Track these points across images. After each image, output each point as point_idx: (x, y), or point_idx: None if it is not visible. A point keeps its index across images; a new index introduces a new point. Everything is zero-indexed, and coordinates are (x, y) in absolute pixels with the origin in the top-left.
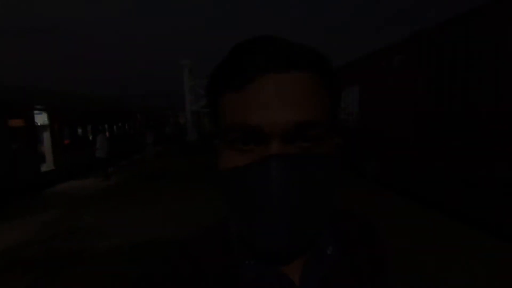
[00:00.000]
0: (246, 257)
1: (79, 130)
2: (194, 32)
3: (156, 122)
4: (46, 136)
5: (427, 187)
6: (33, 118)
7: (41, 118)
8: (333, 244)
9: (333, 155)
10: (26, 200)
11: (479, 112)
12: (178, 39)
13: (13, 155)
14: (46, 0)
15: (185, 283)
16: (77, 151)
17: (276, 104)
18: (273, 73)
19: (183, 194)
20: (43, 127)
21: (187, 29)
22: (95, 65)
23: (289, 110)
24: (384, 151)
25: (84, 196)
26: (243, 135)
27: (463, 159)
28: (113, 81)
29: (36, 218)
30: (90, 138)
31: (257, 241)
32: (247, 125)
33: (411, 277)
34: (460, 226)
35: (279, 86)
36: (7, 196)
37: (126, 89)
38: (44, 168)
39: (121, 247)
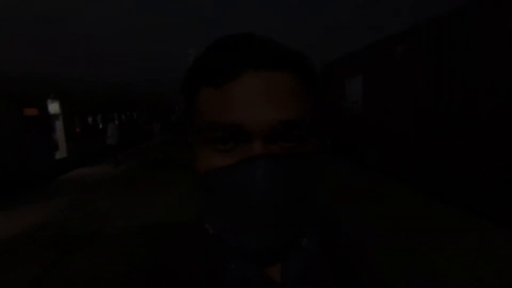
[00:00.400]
0: (226, 260)
1: (90, 119)
2: (194, 31)
3: (162, 110)
4: (59, 124)
5: (426, 176)
6: (46, 107)
7: (53, 107)
8: (308, 237)
9: (314, 156)
10: (42, 185)
11: (480, 103)
12: (178, 37)
13: (29, 143)
14: None
15: None
16: (88, 139)
17: (259, 102)
18: (256, 70)
19: (190, 180)
20: (55, 116)
21: (187, 28)
22: (95, 58)
23: (273, 109)
24: (386, 140)
25: (96, 182)
26: (223, 133)
27: (462, 150)
28: (115, 75)
29: (52, 202)
30: (100, 126)
31: (243, 241)
32: (229, 123)
33: (412, 274)
34: (468, 220)
35: (262, 85)
36: (25, 182)
37: (129, 77)
38: (57, 155)
39: (133, 228)
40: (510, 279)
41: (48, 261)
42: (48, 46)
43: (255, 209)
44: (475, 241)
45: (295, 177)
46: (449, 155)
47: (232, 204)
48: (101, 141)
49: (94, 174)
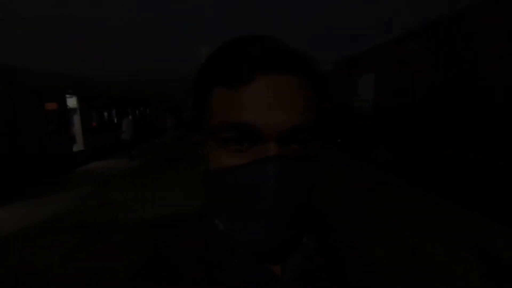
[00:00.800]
0: (229, 255)
1: (105, 114)
2: (193, 32)
3: (175, 106)
4: (76, 118)
5: (436, 176)
6: (65, 102)
7: (71, 102)
8: (307, 235)
9: (319, 157)
10: (61, 177)
11: (492, 104)
12: (180, 37)
13: (49, 136)
14: None
15: None
16: (104, 133)
17: (273, 106)
18: (272, 73)
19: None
20: (73, 110)
21: (186, 32)
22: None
23: (286, 112)
24: (396, 139)
25: (112, 174)
26: (238, 134)
27: (472, 149)
28: (129, 73)
29: (70, 193)
30: (115, 121)
31: (253, 240)
32: (244, 124)
33: (414, 273)
34: (473, 218)
35: (276, 88)
36: (45, 173)
37: (143, 75)
38: (75, 148)
39: (147, 219)
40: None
41: (67, 248)
42: (66, 43)
43: (269, 209)
44: (481, 240)
45: (304, 179)
46: (459, 155)
47: (245, 203)
48: (116, 136)
49: (109, 167)
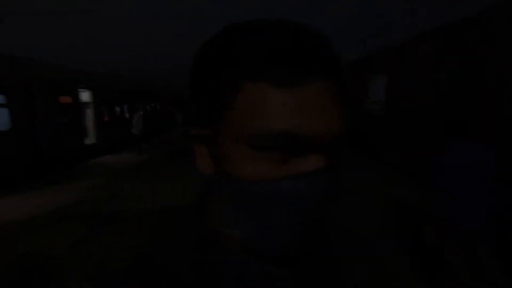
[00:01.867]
0: (229, 253)
1: (117, 109)
2: (194, 33)
3: (184, 102)
4: (89, 112)
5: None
6: (78, 96)
7: (84, 96)
8: None
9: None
10: (72, 168)
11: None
12: (184, 36)
13: (62, 128)
14: None
15: None
16: (115, 127)
17: (319, 113)
18: (321, 77)
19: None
20: (86, 104)
21: (187, 32)
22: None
23: (331, 121)
24: (407, 140)
25: (122, 167)
26: (278, 143)
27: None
28: (141, 69)
29: (82, 183)
30: (127, 116)
31: (268, 249)
32: (287, 133)
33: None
34: None
35: (323, 93)
36: (58, 164)
37: (144, 71)
38: (87, 141)
39: (155, 210)
40: None
41: (78, 237)
42: (81, 39)
43: (299, 221)
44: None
45: (333, 189)
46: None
47: (276, 215)
48: (127, 130)
49: (119, 161)
